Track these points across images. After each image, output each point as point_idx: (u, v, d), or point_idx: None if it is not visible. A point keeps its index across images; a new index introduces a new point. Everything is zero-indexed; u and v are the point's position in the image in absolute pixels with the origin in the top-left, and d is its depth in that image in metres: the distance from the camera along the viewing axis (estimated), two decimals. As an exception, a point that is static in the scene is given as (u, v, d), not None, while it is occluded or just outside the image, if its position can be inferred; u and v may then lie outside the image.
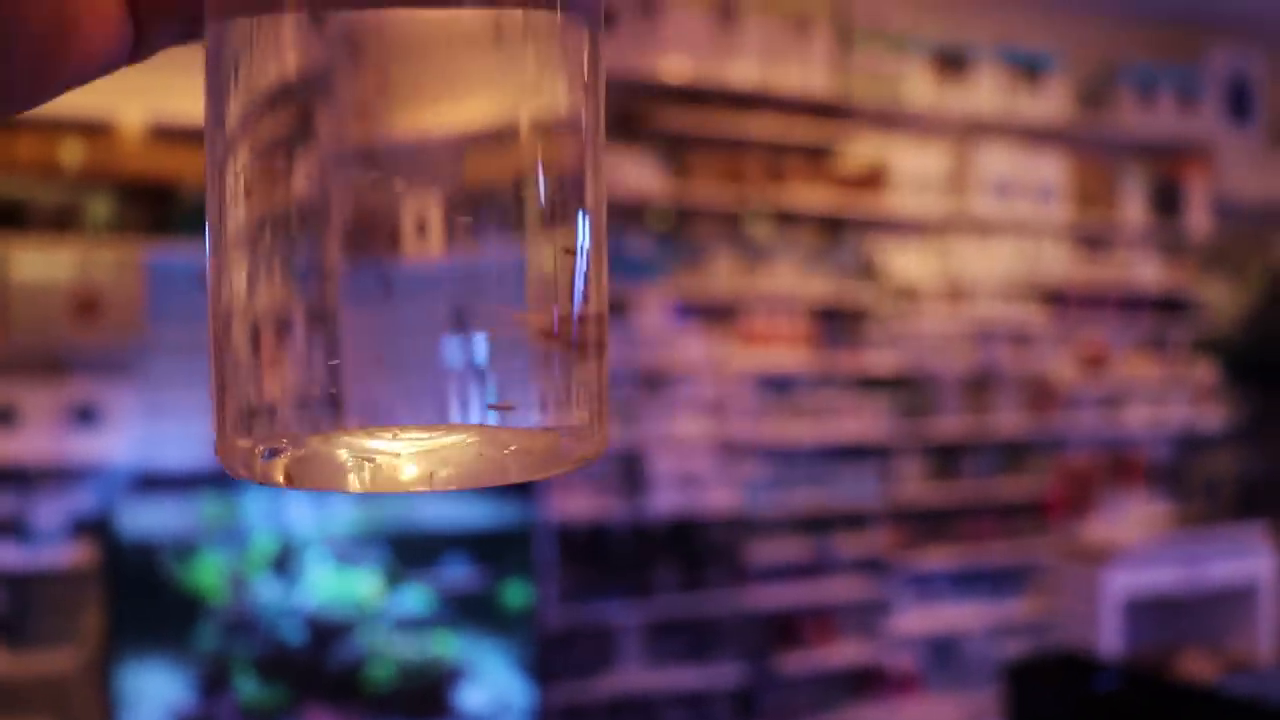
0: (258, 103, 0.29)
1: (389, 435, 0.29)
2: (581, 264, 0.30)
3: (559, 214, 0.30)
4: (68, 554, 3.34)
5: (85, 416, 3.40)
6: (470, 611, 3.17)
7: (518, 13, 0.29)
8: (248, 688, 3.02)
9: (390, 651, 3.07)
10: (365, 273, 0.28)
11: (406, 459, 0.29)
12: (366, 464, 0.28)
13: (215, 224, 0.30)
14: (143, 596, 2.99)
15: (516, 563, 3.23)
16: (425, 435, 0.28)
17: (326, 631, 3.03)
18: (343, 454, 0.29)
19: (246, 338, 0.29)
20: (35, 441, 3.35)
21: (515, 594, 3.23)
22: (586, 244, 0.31)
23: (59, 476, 3.40)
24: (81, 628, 3.39)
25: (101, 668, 3.20)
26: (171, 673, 3.03)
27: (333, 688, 3.03)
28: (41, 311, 3.42)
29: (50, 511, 3.38)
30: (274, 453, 0.29)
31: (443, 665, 3.12)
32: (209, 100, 0.30)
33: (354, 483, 0.29)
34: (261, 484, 0.30)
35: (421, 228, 0.28)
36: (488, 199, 0.29)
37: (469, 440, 0.29)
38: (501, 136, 0.29)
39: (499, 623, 3.19)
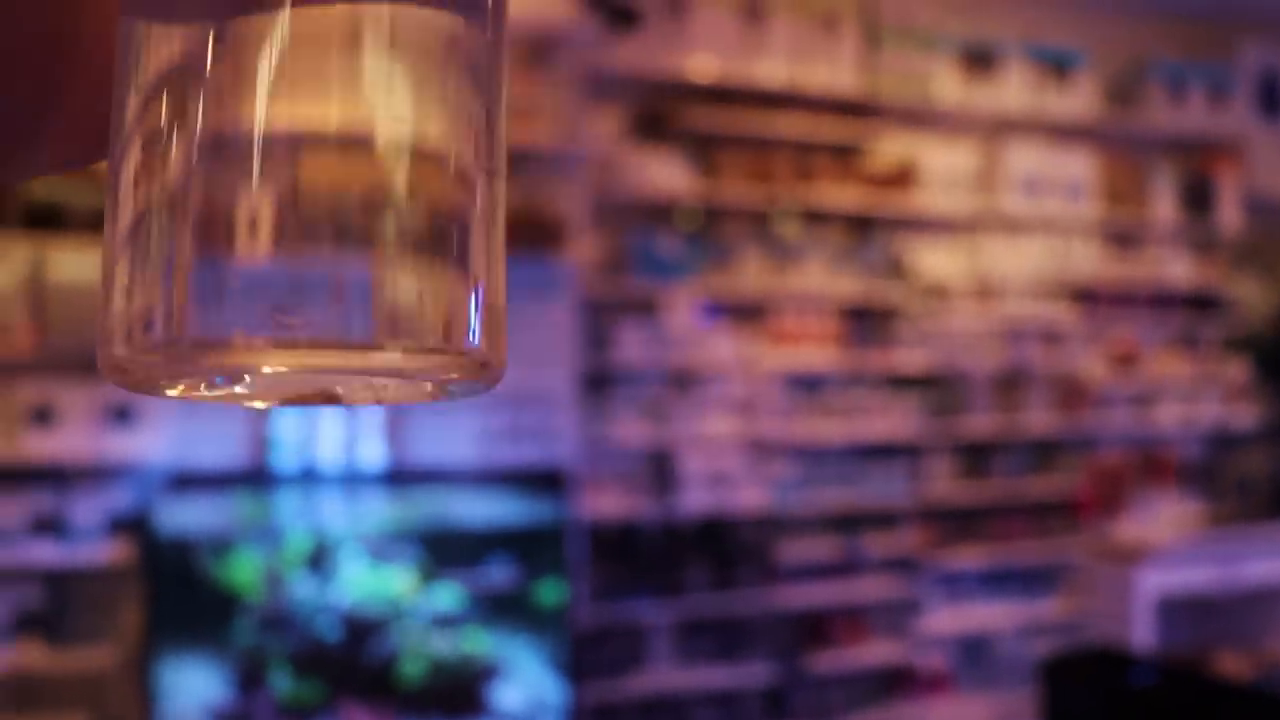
0: (143, 97, 0.28)
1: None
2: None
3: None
4: (105, 551, 3.37)
5: (121, 416, 3.43)
6: (504, 609, 3.18)
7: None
8: (283, 684, 3.04)
9: (424, 648, 3.09)
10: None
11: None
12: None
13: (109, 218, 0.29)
14: (180, 593, 3.02)
15: (550, 560, 3.24)
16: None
17: (361, 628, 3.04)
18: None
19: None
20: (72, 440, 3.38)
21: (549, 592, 3.25)
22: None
23: (96, 475, 3.43)
24: (119, 625, 3.42)
25: (139, 664, 3.23)
26: (208, 669, 3.05)
27: (368, 684, 3.05)
28: (78, 312, 3.45)
29: (88, 509, 3.41)
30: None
31: (476, 663, 3.13)
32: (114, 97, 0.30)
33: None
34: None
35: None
36: None
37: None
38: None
39: (532, 620, 3.20)
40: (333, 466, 3.29)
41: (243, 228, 0.26)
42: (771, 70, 4.32)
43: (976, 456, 4.80)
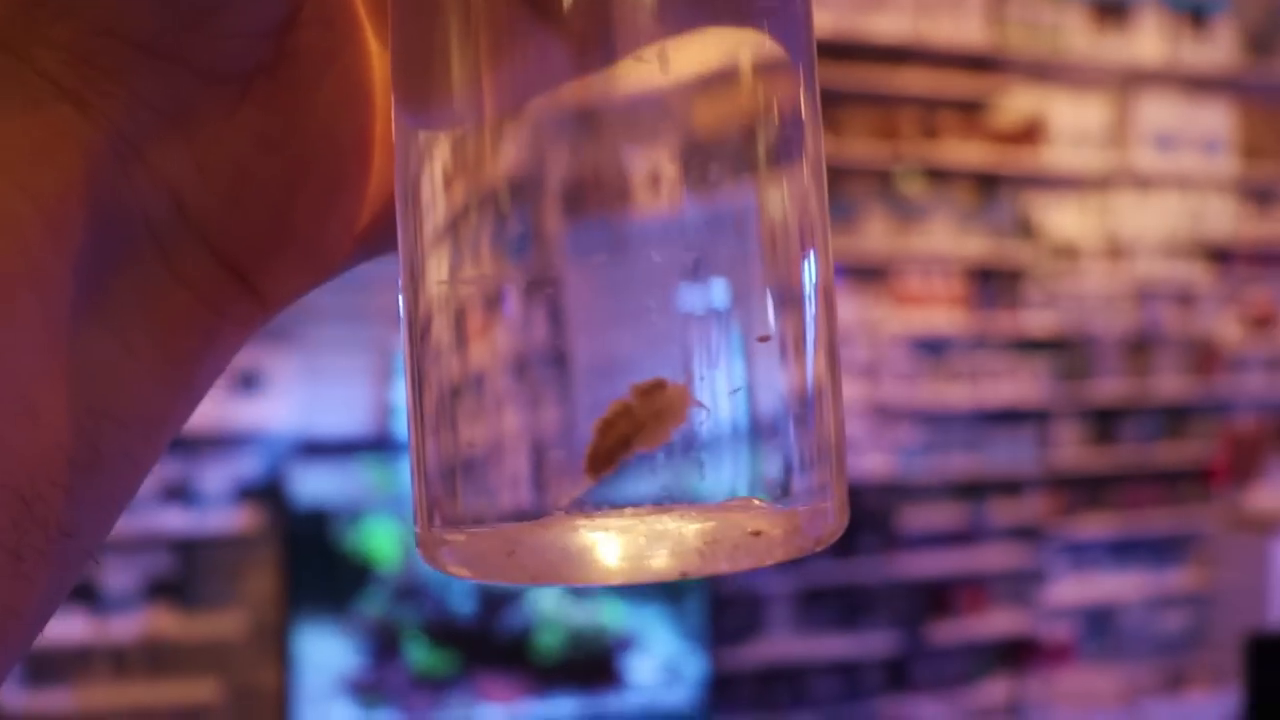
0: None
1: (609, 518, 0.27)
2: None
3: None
4: (234, 518, 3.38)
5: (248, 383, 3.43)
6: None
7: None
8: (418, 654, 3.02)
9: (559, 619, 3.05)
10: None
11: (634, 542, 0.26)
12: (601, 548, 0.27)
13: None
14: (314, 562, 3.01)
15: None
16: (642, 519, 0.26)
17: (495, 599, 3.01)
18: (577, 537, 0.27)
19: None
20: (200, 408, 3.36)
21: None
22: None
23: (223, 442, 3.44)
24: (249, 591, 3.43)
25: (271, 632, 3.24)
26: (342, 638, 3.04)
27: (502, 655, 3.02)
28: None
29: (216, 477, 3.42)
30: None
31: (611, 633, 3.09)
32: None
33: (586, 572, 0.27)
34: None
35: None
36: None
37: (696, 524, 0.26)
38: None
39: (667, 589, 3.15)
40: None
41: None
42: (894, 24, 4.19)
43: (1105, 422, 4.65)
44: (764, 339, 0.26)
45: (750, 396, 0.26)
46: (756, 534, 0.26)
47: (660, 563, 0.26)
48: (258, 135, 0.29)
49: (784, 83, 0.28)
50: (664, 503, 0.26)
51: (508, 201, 0.26)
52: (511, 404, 0.26)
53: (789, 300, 0.27)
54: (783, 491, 0.27)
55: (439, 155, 0.27)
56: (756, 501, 0.27)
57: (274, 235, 0.30)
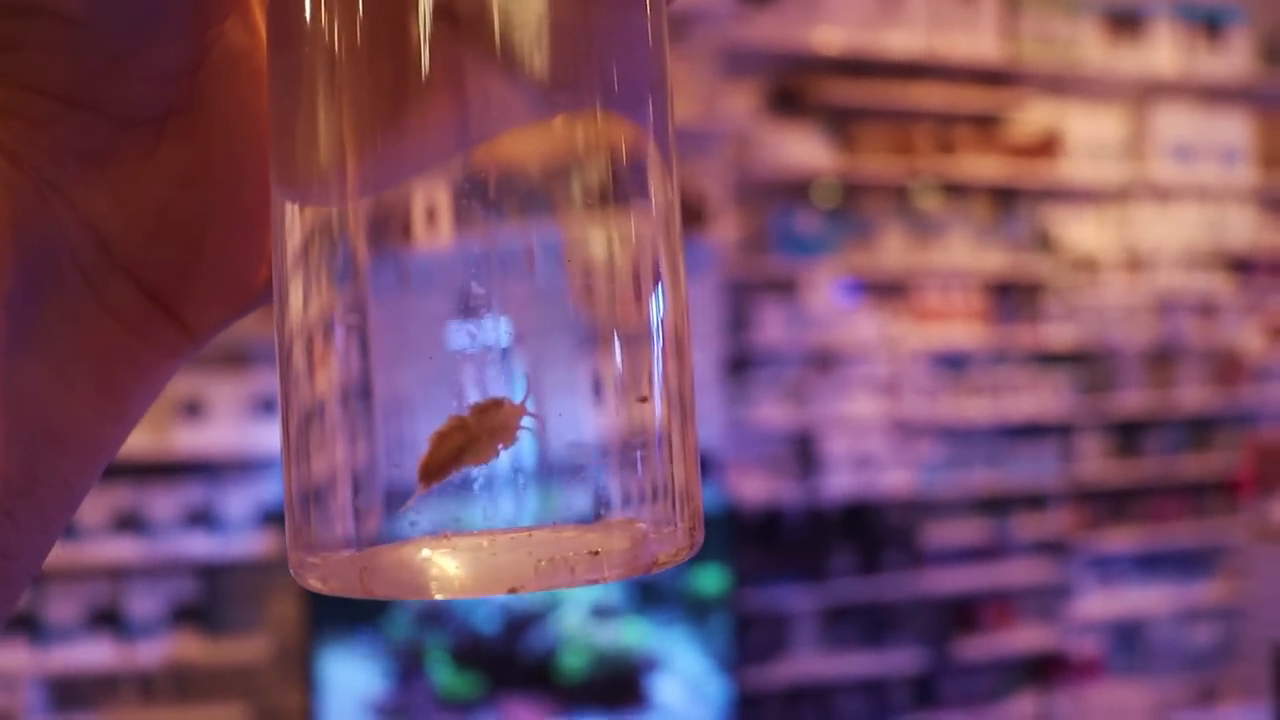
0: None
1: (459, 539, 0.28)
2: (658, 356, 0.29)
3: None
4: (257, 543, 3.38)
5: (269, 408, 3.43)
6: (662, 598, 3.12)
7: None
8: (442, 676, 3.02)
9: (584, 640, 3.04)
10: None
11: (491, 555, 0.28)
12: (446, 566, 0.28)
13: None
14: (338, 585, 3.00)
15: (710, 547, 3.17)
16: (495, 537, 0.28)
17: (520, 620, 3.01)
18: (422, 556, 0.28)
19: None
20: (222, 433, 3.40)
21: (708, 579, 3.18)
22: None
23: (245, 468, 3.45)
24: (273, 615, 3.43)
25: (294, 655, 3.24)
26: (366, 661, 3.04)
27: (527, 676, 3.01)
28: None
29: (239, 502, 3.43)
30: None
31: (636, 654, 3.08)
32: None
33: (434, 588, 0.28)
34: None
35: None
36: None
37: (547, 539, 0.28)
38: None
39: (692, 609, 3.13)
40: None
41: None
42: (909, 39, 4.19)
43: (1128, 435, 4.62)
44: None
45: (585, 420, 0.28)
46: (595, 554, 0.28)
47: (497, 579, 0.27)
48: (175, 173, 0.30)
49: (621, 131, 0.29)
50: (518, 525, 0.27)
51: (339, 238, 0.28)
52: (342, 434, 0.28)
53: (630, 334, 0.29)
54: (623, 512, 0.28)
55: (292, 212, 0.29)
56: (636, 521, 0.28)
57: (195, 267, 0.31)
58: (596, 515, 0.28)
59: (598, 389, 0.28)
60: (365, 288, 0.28)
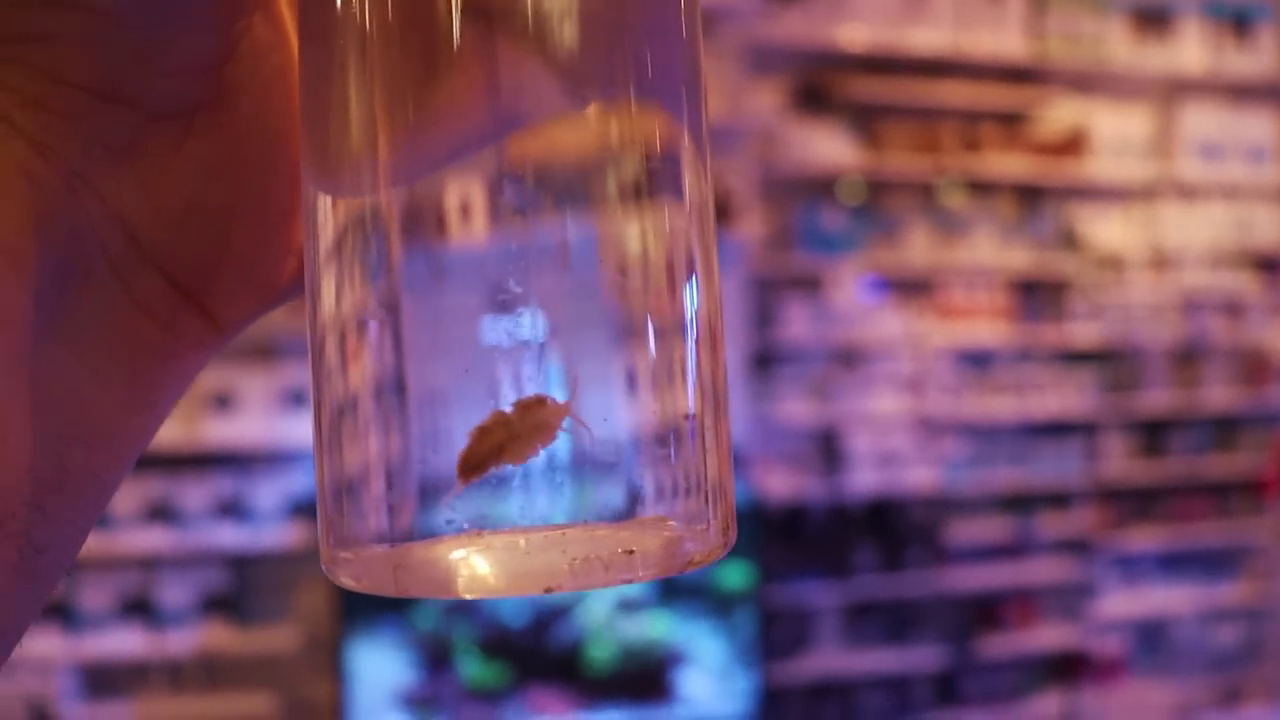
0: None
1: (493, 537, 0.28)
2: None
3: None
4: (286, 534, 3.42)
5: (299, 400, 3.47)
6: (688, 592, 3.14)
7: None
8: (470, 667, 3.04)
9: (611, 633, 3.06)
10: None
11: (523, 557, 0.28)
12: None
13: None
14: (367, 576, 3.03)
15: (735, 542, 3.18)
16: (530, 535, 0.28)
17: (548, 612, 3.03)
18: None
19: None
20: (252, 425, 3.43)
21: (734, 574, 3.19)
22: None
23: (275, 459, 3.48)
24: (302, 606, 3.47)
25: (325, 646, 3.27)
26: (395, 651, 3.07)
27: (554, 668, 3.03)
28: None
29: (268, 493, 3.46)
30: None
31: (662, 647, 3.10)
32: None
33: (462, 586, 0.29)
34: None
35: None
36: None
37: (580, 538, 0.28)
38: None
39: (717, 604, 3.15)
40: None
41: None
42: (934, 37, 4.19)
43: (1154, 434, 4.61)
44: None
45: (621, 417, 0.28)
46: (629, 553, 0.28)
47: (532, 579, 0.28)
48: (204, 166, 0.30)
49: (655, 124, 0.29)
50: (552, 523, 0.27)
51: (372, 231, 0.28)
52: (376, 429, 0.28)
53: (664, 329, 0.29)
54: (655, 510, 0.28)
55: (325, 205, 0.29)
56: (668, 519, 0.28)
57: (223, 260, 0.31)
58: (630, 513, 0.28)
59: (632, 385, 0.28)
60: (399, 281, 0.28)
